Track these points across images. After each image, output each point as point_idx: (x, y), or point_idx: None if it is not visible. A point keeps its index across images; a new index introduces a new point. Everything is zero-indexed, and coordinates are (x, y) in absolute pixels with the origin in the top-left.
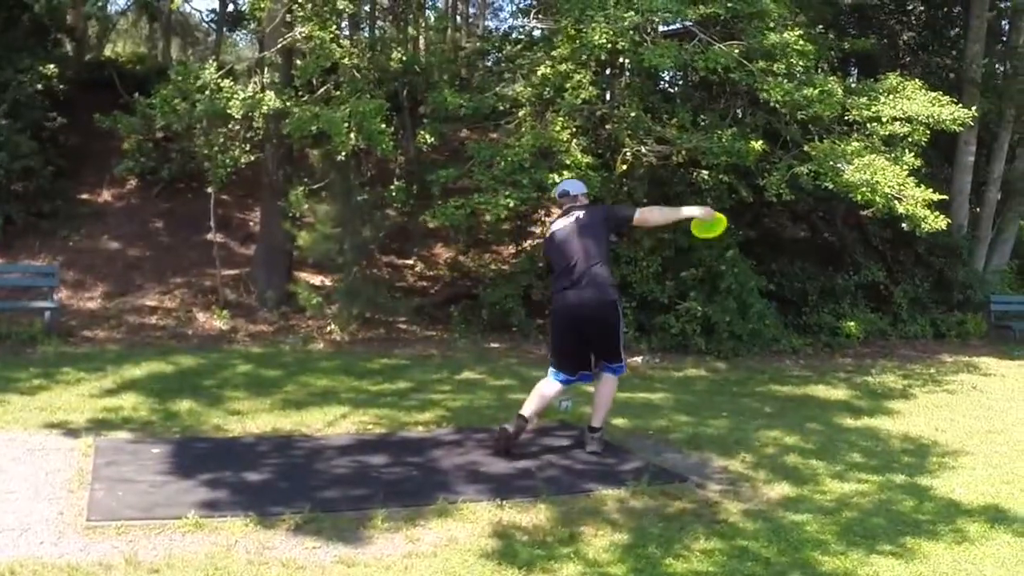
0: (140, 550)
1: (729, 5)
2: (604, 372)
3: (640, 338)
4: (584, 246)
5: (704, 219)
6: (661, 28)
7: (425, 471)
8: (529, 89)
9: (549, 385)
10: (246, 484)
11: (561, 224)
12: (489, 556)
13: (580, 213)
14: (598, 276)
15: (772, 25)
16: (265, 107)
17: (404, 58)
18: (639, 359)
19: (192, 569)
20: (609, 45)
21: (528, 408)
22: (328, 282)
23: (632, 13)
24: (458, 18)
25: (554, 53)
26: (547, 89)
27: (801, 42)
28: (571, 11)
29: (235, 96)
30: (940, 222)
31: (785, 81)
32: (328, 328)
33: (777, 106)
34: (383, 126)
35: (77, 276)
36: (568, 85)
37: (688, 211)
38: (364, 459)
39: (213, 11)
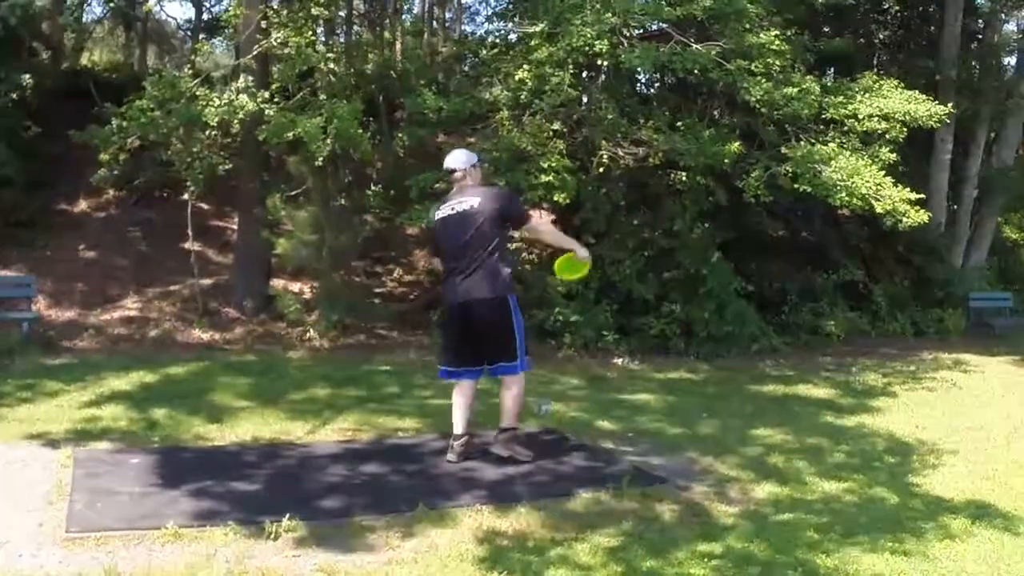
0: (120, 561)
1: (706, 5)
2: (502, 374)
3: (620, 339)
4: (478, 234)
5: (578, 260)
6: (637, 31)
7: (406, 477)
8: (507, 93)
9: (456, 391)
10: (227, 493)
11: (452, 207)
12: (470, 561)
13: (475, 199)
14: (492, 268)
15: (749, 26)
16: (241, 113)
17: (380, 61)
18: (619, 360)
19: None
20: (587, 48)
21: (457, 423)
22: (307, 289)
23: (609, 15)
24: (435, 23)
25: (532, 56)
26: (524, 93)
27: (778, 42)
28: (548, 14)
29: (211, 103)
30: (921, 216)
31: (763, 80)
32: (308, 335)
33: (756, 106)
34: (360, 130)
35: (55, 286)
36: (547, 88)
37: (575, 245)
38: (346, 466)
39: (189, 20)
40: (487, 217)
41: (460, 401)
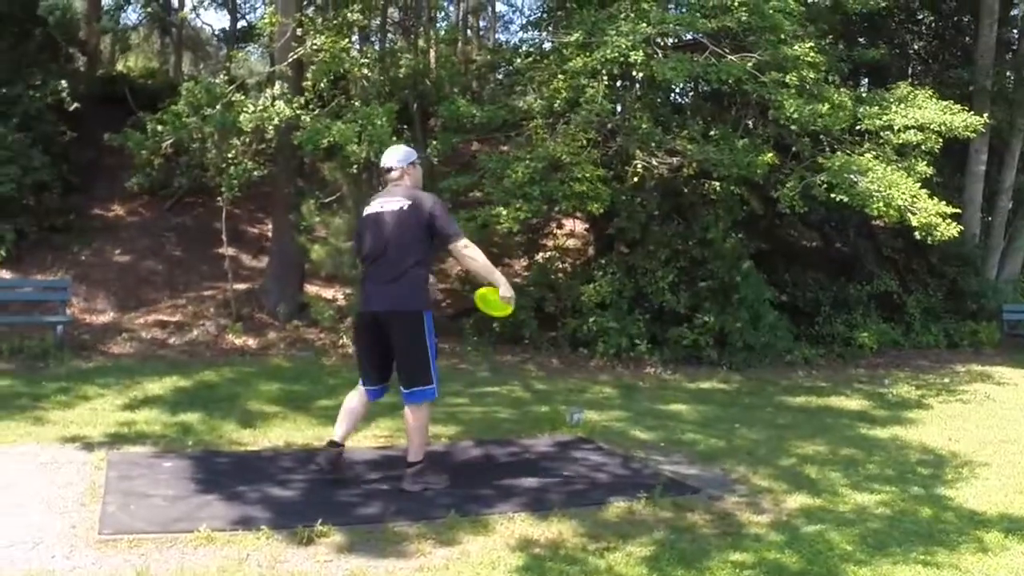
0: (152, 564)
1: (741, 19)
2: (414, 401)
3: (653, 349)
4: (402, 239)
5: (502, 296)
6: (671, 41)
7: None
8: (540, 101)
9: (352, 395)
10: (260, 498)
11: (380, 205)
12: (502, 569)
13: (407, 201)
14: (412, 279)
15: (783, 37)
16: (276, 119)
17: (414, 68)
18: (651, 370)
19: None
20: (621, 58)
21: (338, 429)
22: (340, 295)
23: (644, 25)
24: (468, 31)
25: (567, 66)
26: (559, 102)
27: (812, 54)
28: (582, 24)
29: (246, 109)
30: (953, 229)
31: (796, 95)
32: (341, 341)
33: (786, 122)
34: (394, 137)
35: (89, 290)
36: (582, 99)
37: (501, 281)
38: (377, 472)
39: (224, 28)
40: (415, 223)
41: (347, 404)
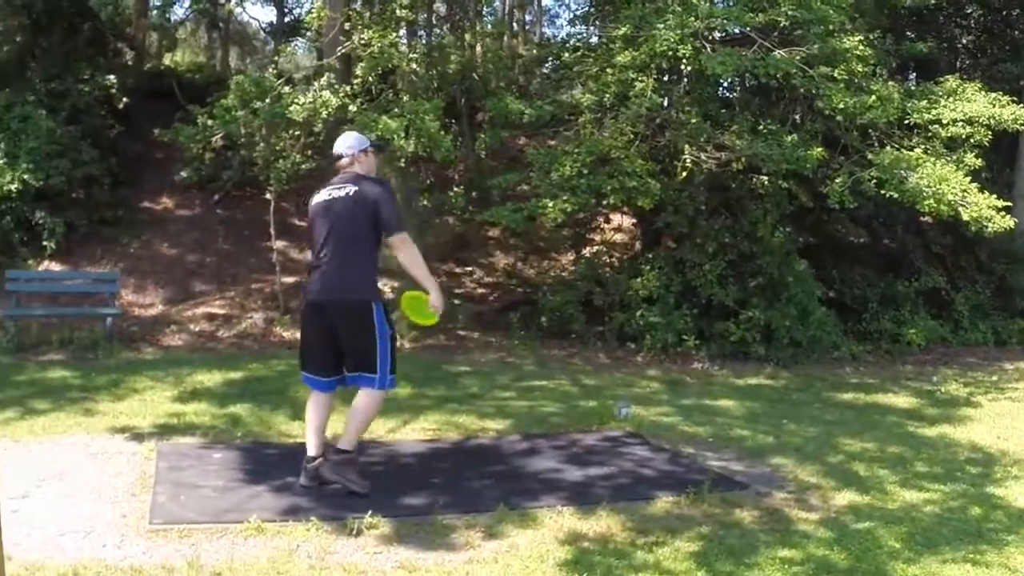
0: (202, 553)
1: (789, 12)
2: (360, 384)
3: (700, 344)
4: (349, 226)
5: (432, 305)
6: (717, 35)
7: (487, 477)
8: (589, 96)
9: (310, 397)
10: (309, 489)
11: (329, 192)
12: (551, 563)
13: (352, 188)
14: (358, 267)
15: (832, 30)
16: (324, 111)
17: (462, 63)
18: (698, 365)
19: (254, 573)
20: (669, 52)
21: (310, 445)
22: (388, 289)
23: (692, 19)
24: (515, 25)
25: (615, 60)
26: (608, 96)
27: (861, 47)
28: (630, 18)
29: (295, 101)
30: (1008, 221)
31: (844, 88)
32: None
33: (834, 115)
34: (441, 131)
35: (138, 283)
36: (632, 93)
37: (434, 287)
38: (425, 465)
39: (271, 22)
40: (360, 211)
41: (312, 417)
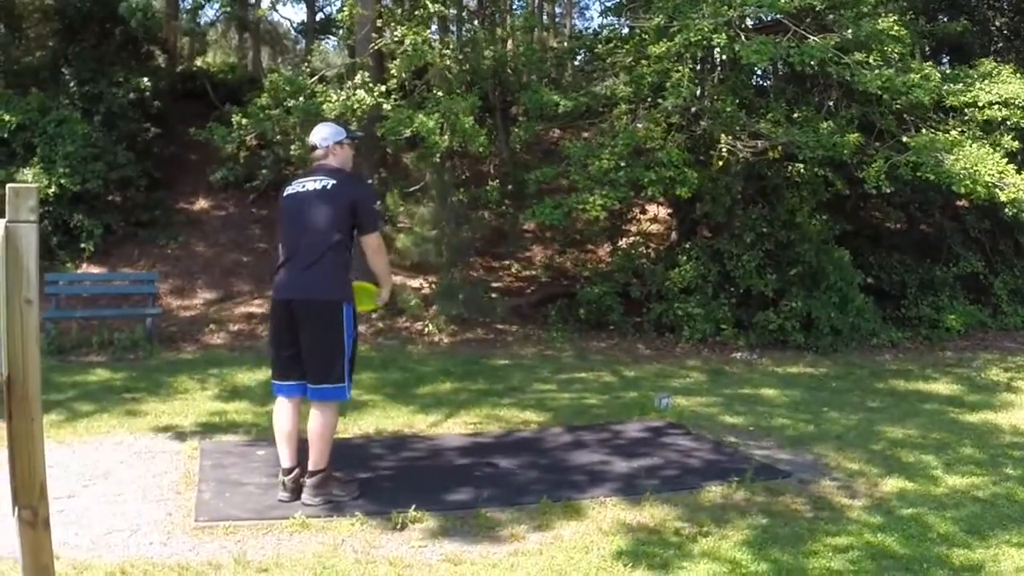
0: (248, 550)
1: None
2: (319, 399)
3: (739, 334)
4: (323, 221)
5: (380, 298)
6: (750, 23)
7: (530, 470)
8: (625, 88)
9: (278, 418)
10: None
11: (303, 185)
12: (596, 553)
13: (331, 181)
14: (329, 266)
15: (866, 10)
16: (359, 109)
17: (495, 58)
18: (737, 354)
19: (301, 568)
20: (704, 41)
21: (283, 456)
22: (426, 284)
23: (727, 7)
24: (545, 18)
25: (651, 50)
26: (644, 87)
27: (896, 28)
28: (664, 8)
29: (329, 99)
30: None
31: (883, 69)
32: (427, 330)
33: (877, 94)
34: (476, 126)
35: (176, 283)
36: (668, 83)
37: (389, 283)
38: (468, 459)
39: (302, 22)
40: (336, 204)
41: (280, 426)
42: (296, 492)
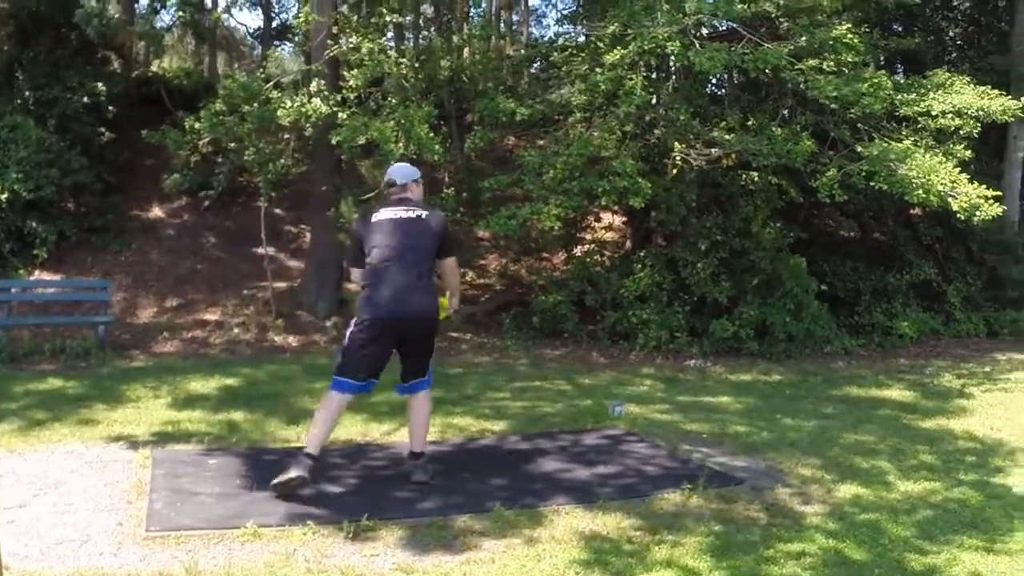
0: (200, 560)
1: (780, 2)
2: (418, 388)
3: (693, 341)
4: (424, 247)
5: (451, 308)
6: (708, 31)
7: (484, 478)
8: (580, 96)
9: (333, 401)
10: (306, 494)
11: (396, 212)
12: (548, 561)
13: (423, 211)
14: (429, 286)
15: (822, 18)
16: (314, 116)
17: (451, 66)
18: (692, 362)
19: None
20: (658, 49)
21: (313, 442)
22: None
23: (681, 15)
24: (502, 26)
25: (604, 58)
26: (598, 95)
27: (850, 36)
28: (619, 16)
29: (283, 105)
30: (995, 209)
31: (835, 78)
32: None
33: (828, 103)
34: (431, 134)
35: (129, 290)
36: (621, 91)
37: (456, 298)
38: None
39: (258, 28)
40: (433, 234)
41: (334, 416)
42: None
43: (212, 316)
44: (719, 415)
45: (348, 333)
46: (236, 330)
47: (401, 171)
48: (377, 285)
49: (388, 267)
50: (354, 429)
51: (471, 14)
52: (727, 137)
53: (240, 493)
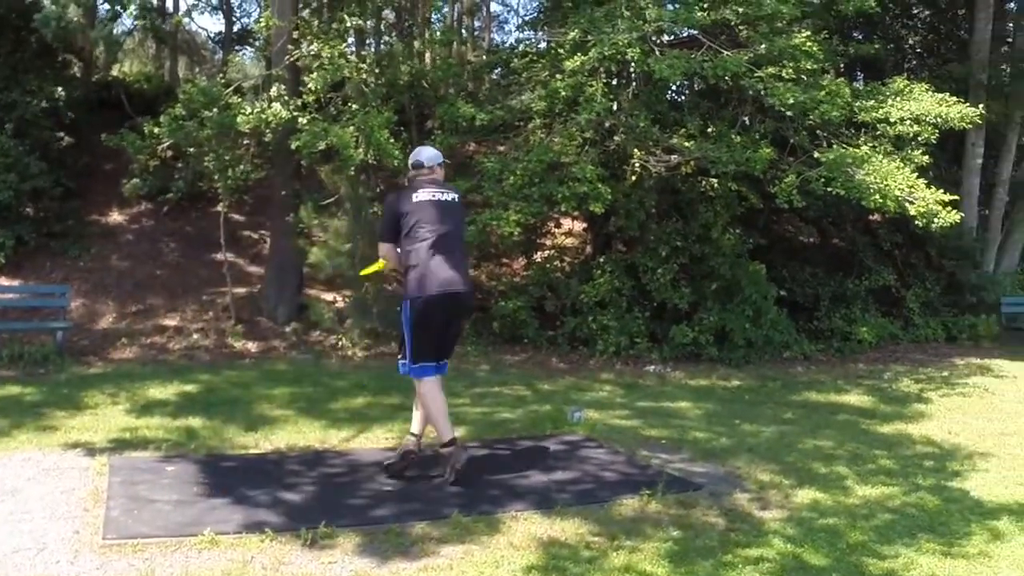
0: (157, 568)
1: (739, 10)
2: (445, 368)
3: (653, 347)
4: (458, 227)
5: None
6: (668, 38)
7: (442, 484)
8: (540, 102)
9: (427, 386)
10: (264, 501)
11: (433, 194)
12: (506, 567)
13: (455, 194)
14: (466, 263)
15: (780, 25)
16: (274, 122)
17: (412, 72)
18: (651, 367)
19: None
20: (618, 56)
21: (448, 428)
22: (340, 298)
23: (642, 22)
24: (464, 32)
25: (564, 65)
26: (558, 101)
27: (809, 44)
28: (579, 23)
29: (243, 111)
30: (953, 216)
31: (793, 85)
32: (341, 344)
33: (785, 111)
34: (391, 140)
35: (88, 296)
36: (581, 97)
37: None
38: (381, 474)
39: (220, 32)
40: (462, 213)
41: (443, 402)
42: (464, 467)
43: (171, 322)
44: (678, 421)
45: (404, 319)
46: (195, 336)
47: (428, 153)
48: (428, 266)
49: (438, 249)
50: (312, 436)
51: (432, 19)
52: (687, 144)
53: (198, 500)
